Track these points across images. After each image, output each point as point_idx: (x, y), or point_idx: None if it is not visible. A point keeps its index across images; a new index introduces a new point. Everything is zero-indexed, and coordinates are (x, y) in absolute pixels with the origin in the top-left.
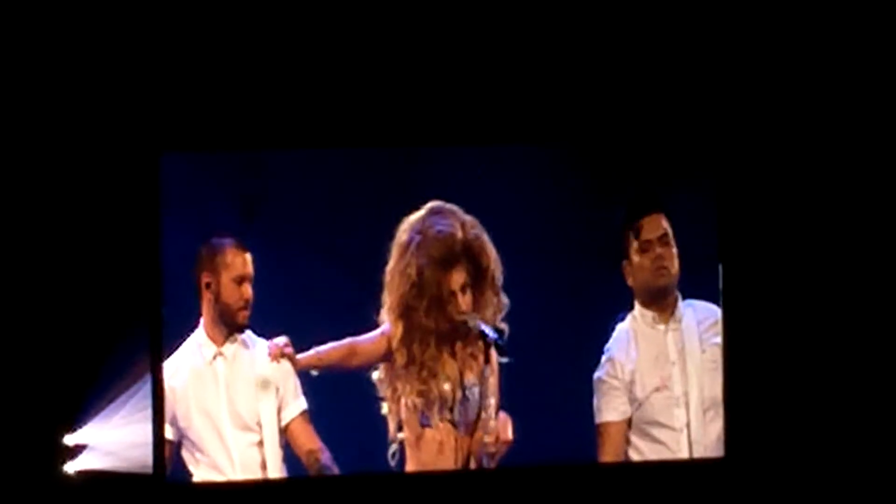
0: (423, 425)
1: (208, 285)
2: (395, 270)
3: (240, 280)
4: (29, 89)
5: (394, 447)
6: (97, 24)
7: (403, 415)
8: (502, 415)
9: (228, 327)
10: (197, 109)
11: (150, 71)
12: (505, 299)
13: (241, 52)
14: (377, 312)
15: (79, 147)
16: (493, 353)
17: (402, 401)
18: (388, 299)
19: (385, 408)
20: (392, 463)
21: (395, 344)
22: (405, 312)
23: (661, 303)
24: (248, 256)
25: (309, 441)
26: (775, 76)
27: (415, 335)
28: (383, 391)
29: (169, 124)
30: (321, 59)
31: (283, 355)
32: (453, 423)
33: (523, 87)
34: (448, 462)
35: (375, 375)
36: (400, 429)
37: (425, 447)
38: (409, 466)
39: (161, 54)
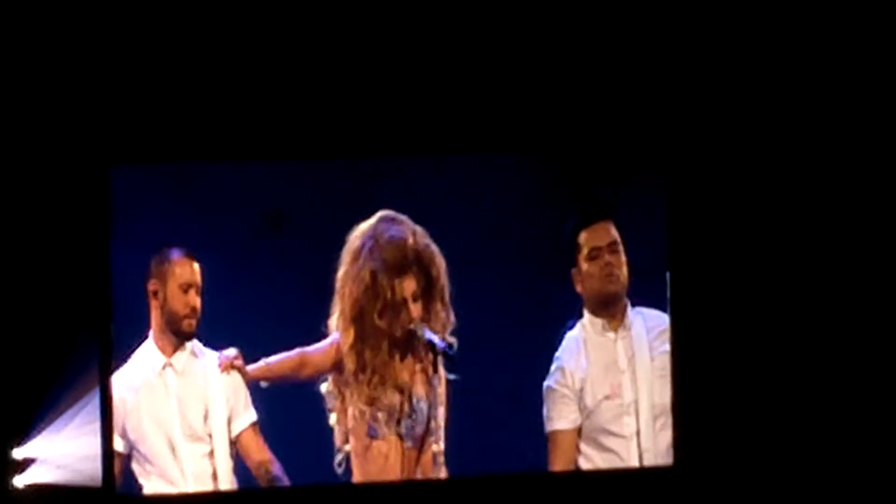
0: (371, 436)
1: (155, 293)
2: (347, 276)
3: (186, 287)
4: None
5: (339, 456)
6: (44, 38)
7: (350, 424)
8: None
9: (176, 336)
10: (145, 121)
11: (98, 84)
12: (452, 314)
13: (188, 64)
14: (326, 321)
15: (26, 161)
16: (441, 363)
17: (350, 410)
18: (339, 305)
19: (333, 418)
20: (339, 472)
21: (345, 350)
22: (358, 317)
23: (610, 310)
24: (196, 266)
25: (259, 452)
26: (722, 86)
27: (367, 340)
28: (331, 402)
29: (117, 137)
30: (268, 72)
31: (232, 367)
32: (400, 436)
33: (471, 97)
34: (394, 473)
35: (324, 387)
36: (347, 440)
37: (372, 458)
38: (356, 477)
39: (108, 68)
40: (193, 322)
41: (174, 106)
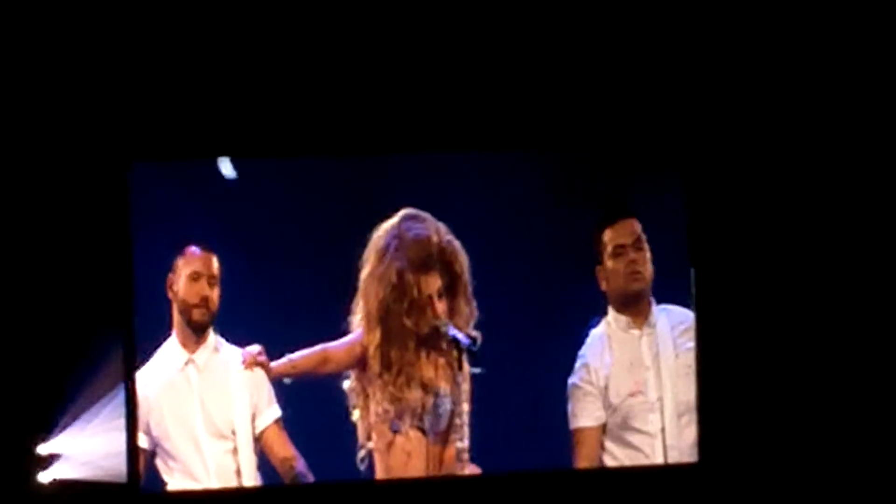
0: (394, 432)
1: (172, 287)
2: (372, 276)
3: (196, 276)
4: None
5: (362, 452)
6: (66, 35)
7: (373, 421)
8: (472, 466)
9: (191, 328)
10: (167, 118)
11: (120, 81)
12: (475, 308)
13: (210, 61)
14: (348, 318)
15: (49, 158)
16: (466, 359)
17: (373, 408)
18: (364, 305)
19: (356, 414)
20: (361, 468)
21: (371, 350)
22: (385, 317)
23: (634, 308)
24: (214, 259)
25: (283, 449)
26: (743, 82)
27: (393, 340)
28: (354, 399)
29: (139, 133)
30: (289, 68)
31: (256, 363)
32: (423, 432)
33: (492, 94)
34: (417, 470)
35: (346, 385)
36: (370, 437)
37: (395, 454)
38: (379, 473)
39: (130, 64)
40: (204, 312)
41: (195, 103)
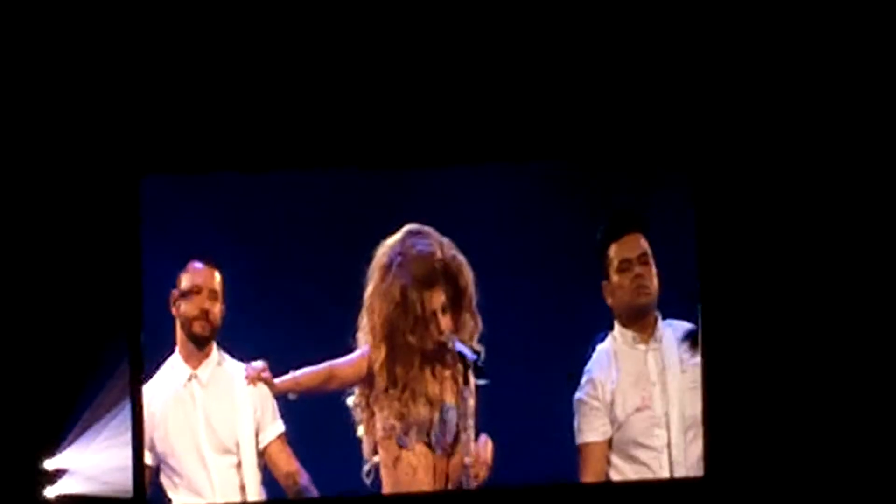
0: (400, 446)
1: (175, 302)
2: (376, 293)
3: (197, 290)
4: (8, 113)
5: (368, 466)
6: (77, 49)
7: (379, 436)
8: (483, 436)
9: (193, 342)
10: (177, 132)
11: (130, 94)
12: (480, 322)
13: (220, 75)
14: (353, 336)
15: (59, 171)
16: (472, 374)
17: (378, 423)
18: (368, 323)
19: (361, 429)
20: (367, 482)
21: (377, 367)
22: (390, 334)
23: (640, 322)
24: (216, 273)
25: (287, 464)
26: (752, 95)
27: (398, 357)
28: (359, 415)
29: (149, 147)
30: (298, 82)
31: (260, 379)
32: (429, 446)
33: (499, 107)
34: (424, 484)
35: (350, 400)
36: (375, 451)
37: (401, 468)
38: (385, 488)
39: (140, 78)
40: (205, 324)
41: (205, 117)
